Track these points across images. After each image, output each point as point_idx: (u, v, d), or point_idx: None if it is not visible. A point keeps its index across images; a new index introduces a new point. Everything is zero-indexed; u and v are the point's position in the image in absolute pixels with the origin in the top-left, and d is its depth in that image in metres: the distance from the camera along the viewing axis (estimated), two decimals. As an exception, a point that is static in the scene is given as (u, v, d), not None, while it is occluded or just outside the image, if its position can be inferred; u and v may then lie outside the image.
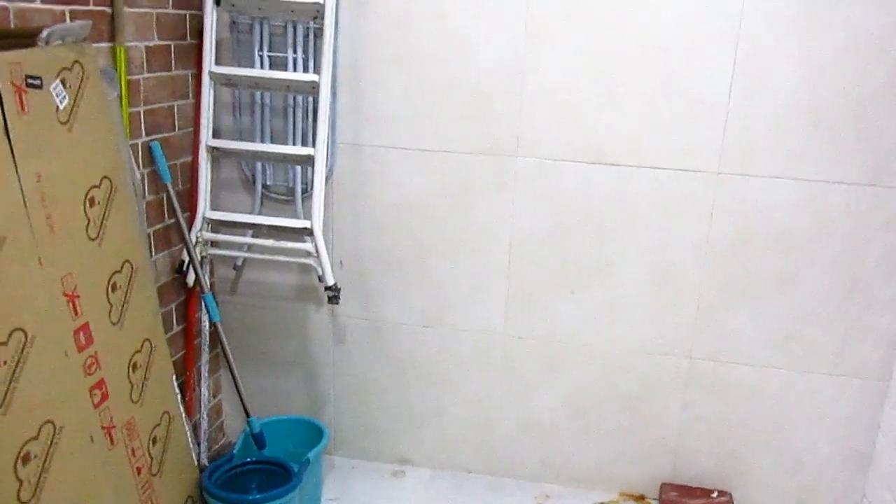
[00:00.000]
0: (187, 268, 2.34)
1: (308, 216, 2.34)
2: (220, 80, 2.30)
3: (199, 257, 2.32)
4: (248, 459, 2.35)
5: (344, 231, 2.50)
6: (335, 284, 2.35)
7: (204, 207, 2.32)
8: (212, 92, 2.29)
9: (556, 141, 2.30)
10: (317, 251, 2.31)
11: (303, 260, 2.38)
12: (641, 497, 2.56)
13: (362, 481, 2.63)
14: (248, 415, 2.38)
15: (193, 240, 2.30)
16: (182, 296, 2.41)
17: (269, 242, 2.36)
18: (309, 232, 2.31)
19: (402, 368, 2.62)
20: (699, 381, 2.41)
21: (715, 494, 2.46)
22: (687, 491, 2.48)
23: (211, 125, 2.31)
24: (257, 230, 2.46)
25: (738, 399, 2.41)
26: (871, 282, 2.22)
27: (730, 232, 2.27)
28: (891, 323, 2.24)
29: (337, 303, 2.40)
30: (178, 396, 2.14)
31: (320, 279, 2.35)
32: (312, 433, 2.52)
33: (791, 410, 2.38)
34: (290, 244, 2.35)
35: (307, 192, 2.45)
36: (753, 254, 2.27)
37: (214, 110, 2.33)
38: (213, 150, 2.32)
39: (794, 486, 2.46)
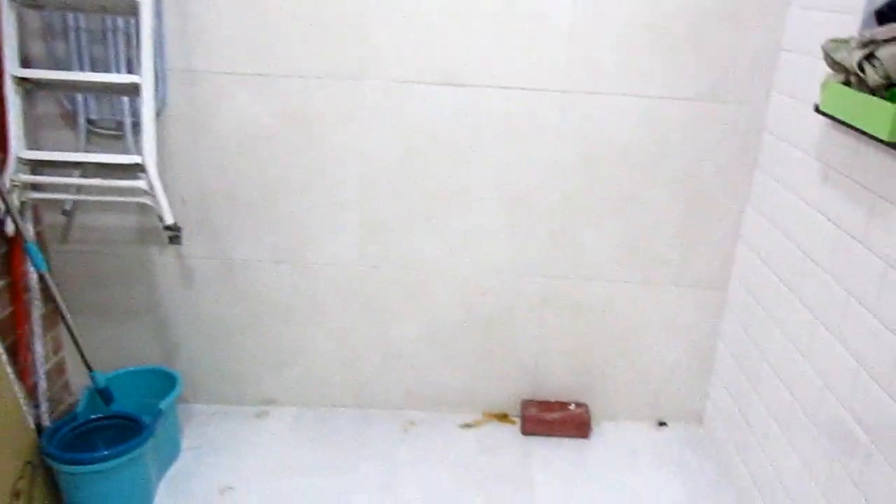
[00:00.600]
0: (4, 216, 2.11)
1: (140, 151, 2.15)
2: (23, 1, 2.04)
3: (17, 203, 2.10)
4: (93, 416, 2.21)
5: (183, 166, 2.33)
6: (175, 223, 2.20)
7: (17, 147, 2.08)
8: (14, 14, 2.02)
9: (403, 63, 2.21)
10: (152, 188, 2.15)
11: (138, 199, 2.20)
12: (504, 415, 2.63)
13: (224, 426, 2.55)
14: (90, 370, 2.22)
15: (7, 184, 2.07)
16: (3, 248, 2.18)
17: (98, 182, 2.16)
18: (141, 168, 2.14)
19: (257, 308, 2.52)
20: (554, 299, 2.47)
21: (572, 406, 2.56)
22: (546, 406, 2.56)
23: (17, 53, 2.05)
24: (85, 170, 2.24)
25: (591, 314, 2.48)
26: (708, 195, 2.32)
27: (576, 151, 2.28)
28: (726, 234, 2.36)
29: (179, 243, 2.25)
30: (3, 357, 1.96)
31: (161, 219, 2.19)
32: (165, 383, 2.40)
33: (640, 322, 2.49)
34: (121, 183, 2.16)
35: (138, 125, 2.25)
36: (599, 172, 2.30)
37: (20, 36, 2.07)
38: (22, 82, 2.07)
39: (645, 392, 2.59)
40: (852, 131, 1.64)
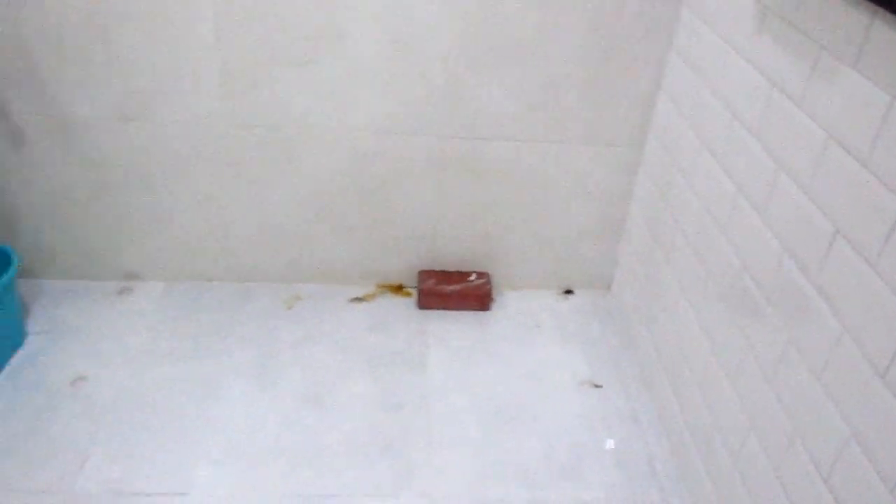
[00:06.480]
0: None
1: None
2: None
3: None
4: None
5: (-12, -1, 1.86)
6: (-24, 75, 1.77)
7: None
8: None
9: None
10: (-62, 30, 1.70)
11: (-77, 42, 1.75)
12: (400, 287, 2.40)
13: (79, 305, 2.24)
14: None
15: None
16: None
17: None
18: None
19: (106, 172, 2.14)
20: (450, 161, 2.17)
21: (473, 277, 2.34)
22: (444, 276, 2.34)
23: None
24: None
25: (493, 176, 2.21)
26: (628, 40, 1.99)
27: (477, -16, 1.90)
28: (647, 85, 2.06)
29: (-14, 100, 1.83)
30: None
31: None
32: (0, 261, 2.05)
33: (546, 184, 2.23)
34: None
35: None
36: (502, 9, 1.94)
37: None
38: None
39: (550, 259, 2.38)
40: (799, -35, 1.33)
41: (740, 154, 1.59)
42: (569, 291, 2.43)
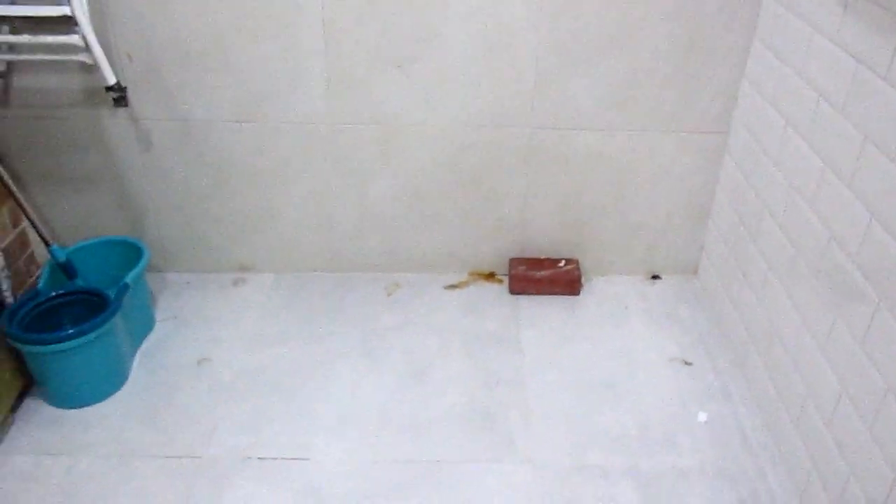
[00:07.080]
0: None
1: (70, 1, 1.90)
2: None
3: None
4: (55, 293, 2.09)
5: (124, 17, 2.07)
6: (118, 84, 1.99)
7: (-74, 0, 1.84)
8: None
9: None
10: (87, 44, 1.92)
11: (74, 57, 1.97)
12: (492, 274, 2.52)
13: (200, 295, 2.45)
14: (47, 244, 2.10)
15: (-79, 43, 1.84)
16: (-68, 115, 1.98)
17: (26, 38, 1.93)
18: (74, 21, 1.90)
19: (222, 171, 2.34)
20: (541, 151, 2.28)
21: (563, 263, 2.44)
22: (535, 263, 2.45)
23: None
24: (14, 25, 2.00)
25: (581, 166, 2.31)
26: (711, 30, 2.07)
27: (565, -17, 2.02)
28: (729, 74, 2.13)
29: (125, 105, 2.05)
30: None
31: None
32: (132, 253, 2.27)
33: (633, 172, 2.32)
34: (52, 39, 1.93)
35: (65, -30, 1.98)
36: (589, 8, 2.05)
37: None
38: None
39: (638, 245, 2.47)
40: (882, -55, 1.40)
41: (826, 131, 1.65)
42: (656, 276, 2.51)
